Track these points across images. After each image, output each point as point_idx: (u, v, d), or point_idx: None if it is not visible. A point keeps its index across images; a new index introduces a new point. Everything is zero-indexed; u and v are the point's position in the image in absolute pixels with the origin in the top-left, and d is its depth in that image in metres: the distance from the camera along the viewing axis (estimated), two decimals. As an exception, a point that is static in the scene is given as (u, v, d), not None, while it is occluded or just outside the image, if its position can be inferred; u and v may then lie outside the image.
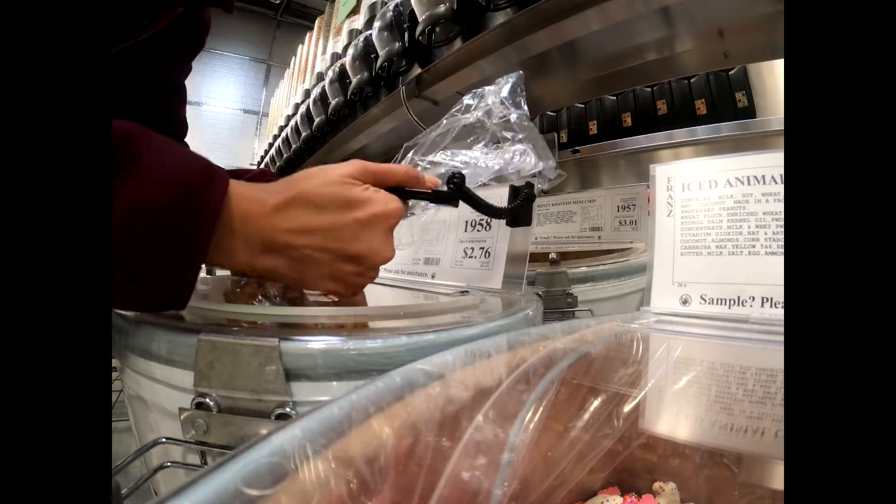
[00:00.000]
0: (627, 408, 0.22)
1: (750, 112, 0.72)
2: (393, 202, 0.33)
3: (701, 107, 0.77)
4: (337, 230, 0.30)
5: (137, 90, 0.46)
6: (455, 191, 0.37)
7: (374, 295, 0.52)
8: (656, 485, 0.23)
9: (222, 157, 5.10)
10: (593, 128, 0.90)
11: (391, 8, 0.69)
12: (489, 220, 0.52)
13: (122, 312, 0.32)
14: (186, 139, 0.61)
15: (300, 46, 1.51)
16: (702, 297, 0.35)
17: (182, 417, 0.26)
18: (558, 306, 0.61)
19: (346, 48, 0.93)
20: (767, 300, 0.32)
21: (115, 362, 0.34)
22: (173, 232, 0.25)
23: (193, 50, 0.54)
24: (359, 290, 0.34)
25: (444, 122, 0.42)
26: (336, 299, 0.37)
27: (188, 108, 0.61)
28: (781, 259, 0.32)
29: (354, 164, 0.33)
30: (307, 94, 1.23)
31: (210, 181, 0.26)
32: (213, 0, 0.46)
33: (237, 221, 0.28)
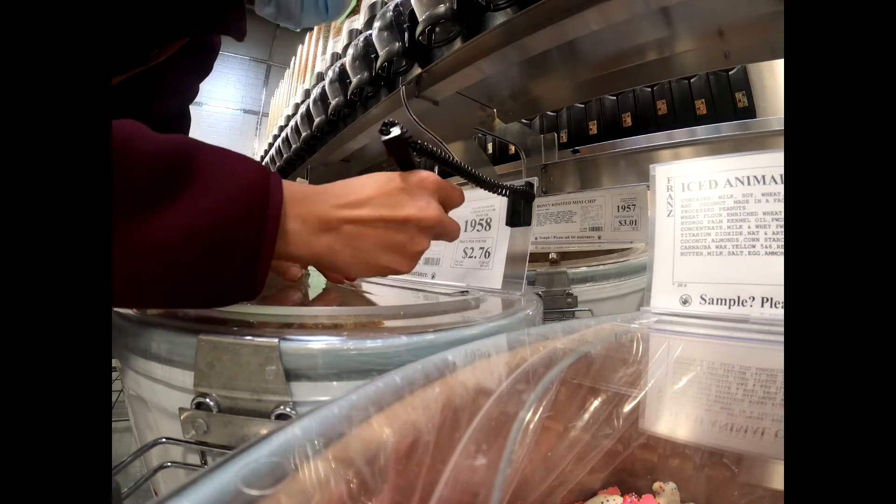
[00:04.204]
0: (627, 408, 0.22)
1: (750, 112, 0.72)
2: (429, 175, 0.35)
3: (701, 107, 0.77)
4: (384, 197, 0.33)
5: (145, 116, 0.47)
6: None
7: (375, 295, 0.52)
8: (656, 485, 0.23)
9: (222, 157, 5.11)
10: (593, 128, 0.90)
11: (391, 8, 0.69)
12: (489, 220, 0.52)
13: (123, 312, 0.32)
14: None
15: (300, 46, 1.51)
16: (702, 297, 0.35)
17: (182, 417, 0.26)
18: (558, 306, 0.61)
19: (346, 48, 0.93)
20: (767, 300, 0.32)
21: (115, 362, 0.34)
22: (247, 228, 0.27)
23: (201, 75, 0.55)
24: (415, 259, 0.35)
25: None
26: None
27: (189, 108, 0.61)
28: (781, 259, 0.32)
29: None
30: (307, 94, 1.23)
31: (269, 179, 0.28)
32: (224, 29, 0.47)
33: (291, 205, 0.30)
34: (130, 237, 0.24)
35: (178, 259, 0.25)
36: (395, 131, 0.33)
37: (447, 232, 0.37)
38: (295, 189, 0.30)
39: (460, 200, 0.38)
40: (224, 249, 0.26)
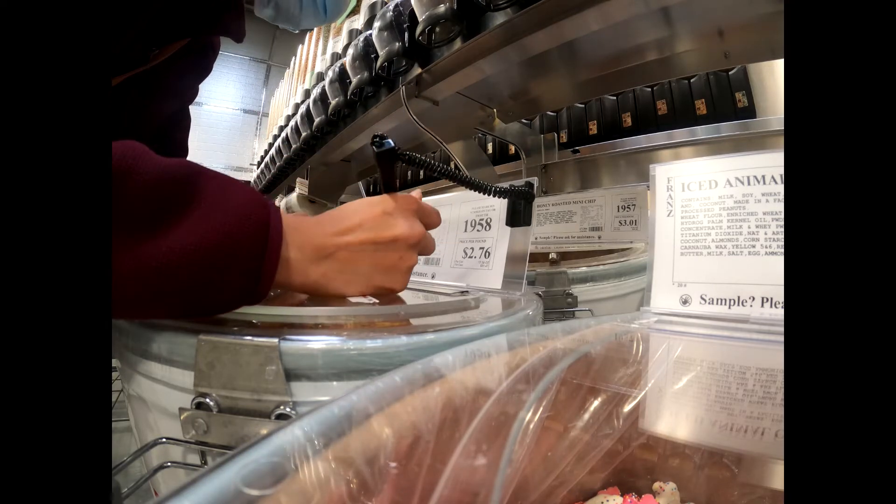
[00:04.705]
0: (627, 408, 0.22)
1: (750, 112, 0.72)
2: (410, 196, 0.39)
3: (701, 107, 0.77)
4: (370, 222, 0.35)
5: (145, 117, 0.48)
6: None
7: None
8: (656, 485, 0.23)
9: (222, 158, 5.11)
10: (593, 128, 0.90)
11: (391, 8, 0.69)
12: (489, 220, 0.52)
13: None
14: (188, 140, 0.62)
15: (300, 46, 1.51)
16: (702, 297, 0.35)
17: (182, 417, 0.26)
18: (558, 306, 0.61)
19: (346, 48, 0.93)
20: (767, 300, 0.32)
21: (115, 362, 0.34)
22: (249, 253, 0.28)
23: (200, 75, 0.55)
24: (406, 275, 0.37)
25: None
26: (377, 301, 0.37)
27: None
28: (781, 259, 0.32)
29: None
30: (307, 94, 1.23)
31: (269, 208, 0.29)
32: (223, 30, 0.47)
33: (289, 234, 0.31)
34: (131, 257, 0.24)
35: (178, 281, 0.25)
36: (388, 144, 0.35)
37: (427, 248, 0.40)
38: (291, 219, 0.31)
39: (438, 221, 0.41)
40: (225, 272, 0.27)
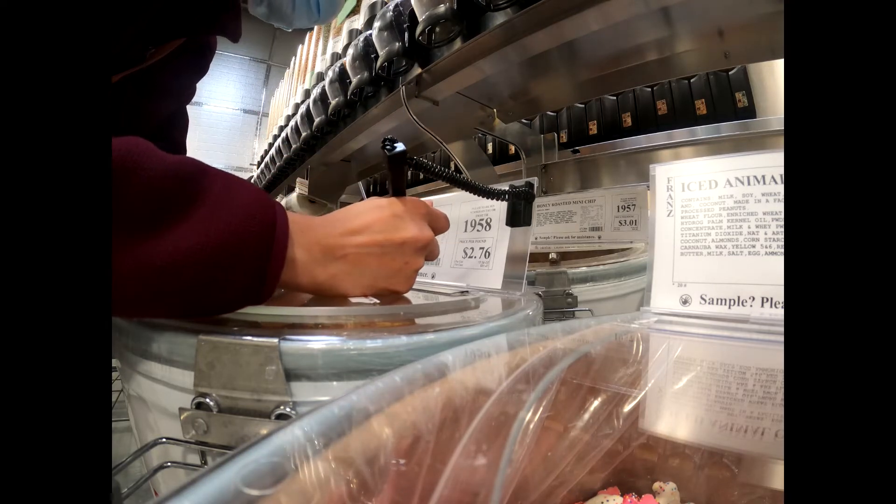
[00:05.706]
0: (627, 408, 0.22)
1: (750, 112, 0.72)
2: (420, 200, 0.38)
3: (701, 107, 0.77)
4: (380, 224, 0.34)
5: (142, 115, 0.48)
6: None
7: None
8: (656, 485, 0.23)
9: (222, 158, 5.11)
10: (593, 128, 0.90)
11: (391, 8, 0.69)
12: (489, 220, 0.52)
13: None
14: (187, 140, 0.62)
15: (300, 46, 1.51)
16: (702, 297, 0.35)
17: (182, 417, 0.26)
18: (558, 306, 0.61)
19: (346, 48, 0.93)
20: (767, 300, 0.32)
21: (115, 362, 0.34)
22: (254, 252, 0.27)
23: (197, 74, 0.55)
24: (412, 279, 0.37)
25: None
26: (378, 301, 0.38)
27: (188, 107, 0.61)
28: (781, 259, 0.32)
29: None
30: (307, 94, 1.23)
31: (275, 207, 0.29)
32: (220, 30, 0.47)
33: (296, 234, 0.31)
34: (134, 255, 0.24)
35: (181, 280, 0.25)
36: (399, 147, 0.35)
37: (432, 253, 0.40)
38: (298, 219, 0.31)
39: (447, 226, 0.41)
40: (230, 272, 0.27)
